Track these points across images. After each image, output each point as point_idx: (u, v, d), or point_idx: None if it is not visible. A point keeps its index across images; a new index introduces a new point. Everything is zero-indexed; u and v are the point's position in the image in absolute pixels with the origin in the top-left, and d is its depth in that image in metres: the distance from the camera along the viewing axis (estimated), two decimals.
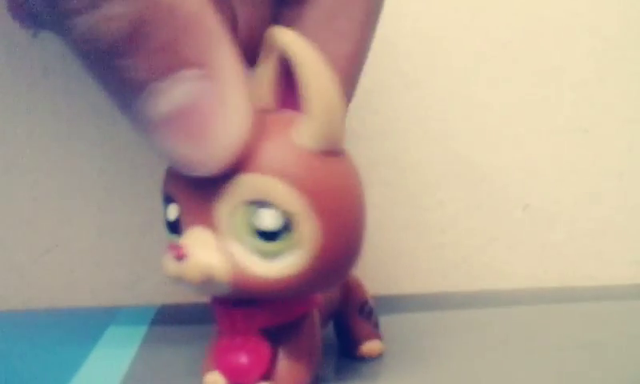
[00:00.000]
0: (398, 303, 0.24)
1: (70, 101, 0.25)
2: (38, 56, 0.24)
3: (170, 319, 0.23)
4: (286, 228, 0.14)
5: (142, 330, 0.22)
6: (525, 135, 0.26)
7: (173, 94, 0.13)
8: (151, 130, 0.14)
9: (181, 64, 0.13)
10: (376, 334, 0.19)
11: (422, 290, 0.26)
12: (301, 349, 0.16)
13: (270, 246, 0.14)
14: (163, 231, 0.26)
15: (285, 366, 0.16)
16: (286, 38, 0.15)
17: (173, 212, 0.15)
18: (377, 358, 0.19)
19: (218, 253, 0.15)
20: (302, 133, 0.15)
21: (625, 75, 0.26)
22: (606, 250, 0.27)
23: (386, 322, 0.20)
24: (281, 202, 0.14)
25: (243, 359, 0.16)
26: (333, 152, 0.15)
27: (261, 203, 0.14)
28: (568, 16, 0.26)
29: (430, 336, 0.21)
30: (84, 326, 0.23)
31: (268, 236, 0.14)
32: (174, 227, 0.15)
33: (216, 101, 0.14)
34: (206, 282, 0.15)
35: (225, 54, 0.14)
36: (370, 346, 0.19)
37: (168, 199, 0.16)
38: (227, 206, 0.14)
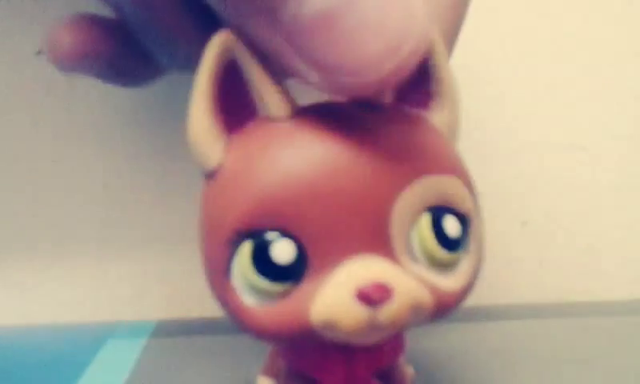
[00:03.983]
0: None
1: (72, 118, 0.25)
2: (40, 74, 0.25)
3: (169, 334, 0.23)
4: (464, 232, 0.12)
5: (140, 344, 0.22)
6: (523, 151, 0.26)
7: None
8: (295, 36, 0.11)
9: None
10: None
11: None
12: None
13: (452, 256, 0.12)
14: (164, 246, 0.26)
15: None
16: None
17: (287, 250, 0.11)
18: None
19: (416, 280, 0.12)
20: (441, 126, 0.13)
21: (622, 92, 0.26)
22: (604, 266, 0.27)
23: None
24: (461, 203, 0.12)
25: None
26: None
27: (441, 208, 0.12)
28: (565, 33, 0.26)
29: (427, 350, 0.21)
30: (83, 341, 0.23)
31: (451, 244, 0.12)
32: (283, 272, 0.11)
33: None
34: (408, 320, 0.12)
35: None
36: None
37: (270, 232, 0.11)
38: (404, 219, 0.12)
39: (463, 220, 0.12)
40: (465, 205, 0.12)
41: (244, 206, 0.12)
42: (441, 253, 0.12)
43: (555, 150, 0.26)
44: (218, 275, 0.12)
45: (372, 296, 0.11)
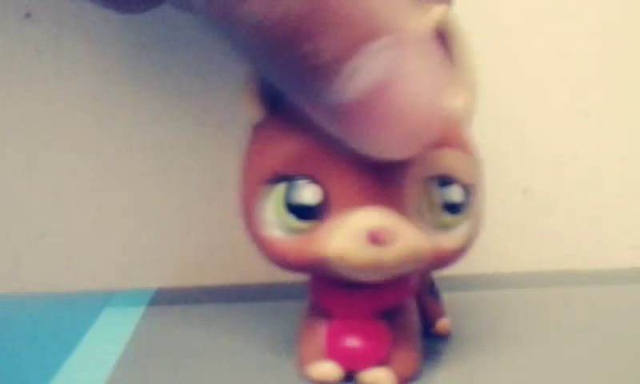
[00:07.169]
0: None
1: (63, 82, 0.25)
2: (30, 36, 0.24)
3: (167, 302, 0.23)
4: (466, 200, 0.15)
5: (138, 312, 0.22)
6: (525, 118, 0.26)
7: (367, 70, 0.12)
8: (345, 117, 0.12)
9: (370, 35, 0.12)
10: (444, 312, 0.20)
11: None
12: (410, 331, 0.16)
13: (453, 219, 0.15)
14: (161, 213, 0.26)
15: (400, 349, 0.16)
16: (439, 11, 0.15)
17: (313, 195, 0.14)
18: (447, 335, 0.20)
19: (420, 232, 0.15)
20: (457, 105, 0.15)
21: (627, 58, 0.26)
22: (606, 235, 0.27)
23: None
24: (466, 175, 0.15)
25: (364, 344, 0.15)
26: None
27: (446, 178, 0.15)
28: None
29: None
30: (80, 309, 0.22)
31: (453, 209, 0.15)
32: (308, 212, 0.14)
33: (415, 67, 0.12)
34: (408, 264, 0.14)
35: (405, 11, 0.12)
36: (443, 323, 0.19)
37: (302, 178, 0.15)
38: (415, 183, 0.15)
39: (467, 189, 0.15)
40: (469, 177, 0.15)
41: (284, 153, 0.15)
42: (445, 216, 0.15)
43: (557, 116, 0.26)
44: (252, 210, 0.15)
45: (379, 237, 0.14)
